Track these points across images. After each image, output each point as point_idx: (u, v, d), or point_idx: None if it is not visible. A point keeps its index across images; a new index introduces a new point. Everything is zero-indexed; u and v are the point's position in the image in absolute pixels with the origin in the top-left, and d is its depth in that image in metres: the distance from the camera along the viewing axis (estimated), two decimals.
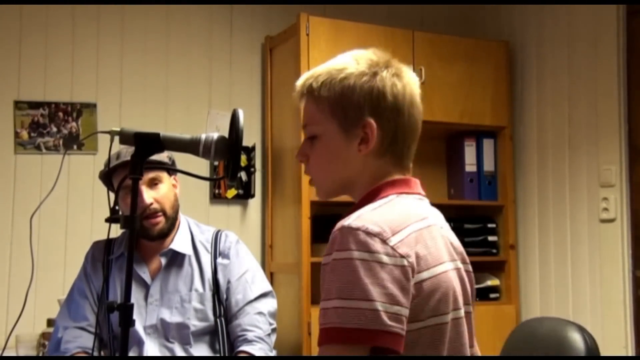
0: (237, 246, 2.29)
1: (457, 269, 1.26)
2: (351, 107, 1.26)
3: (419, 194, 1.30)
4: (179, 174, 2.27)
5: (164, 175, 2.19)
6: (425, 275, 1.14)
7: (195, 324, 2.16)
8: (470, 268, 1.34)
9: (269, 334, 2.19)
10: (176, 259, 2.22)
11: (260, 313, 2.19)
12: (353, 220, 1.14)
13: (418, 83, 1.34)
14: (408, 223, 1.17)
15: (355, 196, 1.31)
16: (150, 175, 2.14)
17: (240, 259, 2.27)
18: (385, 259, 1.10)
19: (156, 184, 2.16)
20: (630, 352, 3.05)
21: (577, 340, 1.68)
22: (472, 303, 1.31)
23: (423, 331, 1.14)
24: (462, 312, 1.23)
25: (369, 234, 1.11)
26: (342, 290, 1.09)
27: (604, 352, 3.16)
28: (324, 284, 1.15)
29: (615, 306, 3.12)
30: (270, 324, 2.21)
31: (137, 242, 2.20)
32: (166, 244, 2.21)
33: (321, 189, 1.35)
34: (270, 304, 2.25)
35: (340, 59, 1.36)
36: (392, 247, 1.11)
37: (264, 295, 2.25)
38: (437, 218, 1.29)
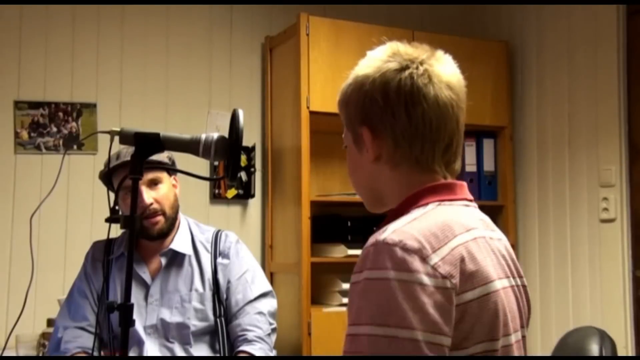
0: (237, 246, 2.29)
1: (512, 287, 1.14)
2: (350, 117, 1.20)
3: (465, 199, 1.17)
4: (179, 174, 2.27)
5: (163, 175, 2.19)
6: (470, 295, 1.01)
7: (195, 323, 2.15)
8: (525, 282, 1.20)
9: (269, 334, 2.18)
10: (176, 259, 2.22)
11: (260, 313, 2.19)
12: (389, 234, 1.01)
13: (449, 74, 1.20)
14: (451, 237, 1.03)
15: (389, 199, 1.20)
16: (150, 175, 2.14)
17: (241, 258, 2.27)
18: (426, 279, 0.97)
19: (156, 185, 2.16)
20: (630, 352, 3.05)
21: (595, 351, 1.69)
22: (526, 326, 1.18)
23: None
24: (512, 339, 1.10)
25: (407, 250, 0.98)
26: (375, 315, 0.96)
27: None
28: (353, 306, 1.01)
29: (615, 306, 3.12)
30: (270, 324, 2.21)
31: (137, 242, 2.20)
32: (166, 244, 2.21)
33: (363, 201, 1.24)
34: (270, 304, 2.25)
35: (363, 61, 1.24)
36: (432, 267, 0.98)
37: (264, 295, 2.25)
38: (487, 228, 1.16)
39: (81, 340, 2.12)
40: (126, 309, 1.44)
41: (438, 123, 1.14)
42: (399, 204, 1.14)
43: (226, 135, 1.56)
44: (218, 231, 2.32)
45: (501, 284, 1.08)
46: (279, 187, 3.43)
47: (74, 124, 3.21)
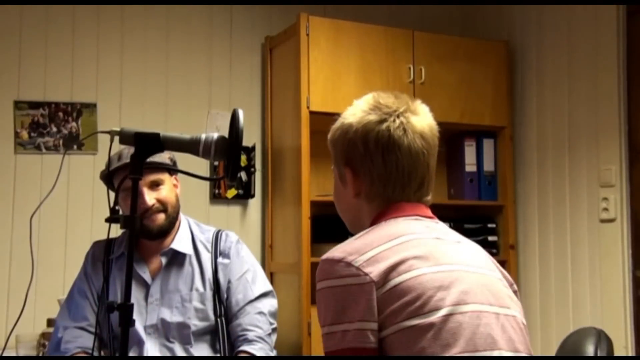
0: (237, 246, 2.29)
1: (465, 272, 1.25)
2: (336, 157, 1.41)
3: (416, 215, 1.35)
4: (179, 174, 2.27)
5: (165, 176, 2.19)
6: (396, 281, 1.19)
7: (195, 323, 2.15)
8: (500, 277, 1.33)
9: (269, 334, 2.18)
10: (177, 259, 2.21)
11: (260, 313, 2.19)
12: (327, 253, 1.27)
13: (422, 125, 1.38)
14: (381, 242, 1.24)
15: (366, 226, 1.39)
16: (152, 177, 2.14)
17: (241, 258, 2.27)
18: (348, 280, 1.20)
19: (158, 186, 2.16)
20: (630, 352, 3.05)
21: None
22: (505, 305, 1.27)
23: (398, 334, 1.18)
24: (463, 309, 1.20)
25: (334, 261, 1.23)
26: (321, 319, 1.24)
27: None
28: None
29: (615, 306, 3.12)
30: (271, 324, 2.21)
31: (137, 242, 2.20)
32: (166, 244, 2.21)
33: (346, 225, 1.49)
34: (270, 304, 2.25)
35: (350, 108, 1.44)
36: (357, 267, 1.20)
37: (264, 295, 2.25)
38: (433, 233, 1.31)
39: (81, 340, 2.12)
40: (126, 309, 1.44)
41: (410, 169, 1.35)
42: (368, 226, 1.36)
43: (226, 135, 1.56)
44: (218, 231, 2.32)
45: (434, 269, 1.22)
46: (279, 187, 3.43)
47: (74, 124, 3.21)
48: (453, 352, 1.15)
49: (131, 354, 2.11)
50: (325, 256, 1.26)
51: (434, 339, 1.16)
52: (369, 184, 1.35)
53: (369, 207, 1.37)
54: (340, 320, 1.20)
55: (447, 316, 1.18)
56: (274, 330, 2.23)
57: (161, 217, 2.16)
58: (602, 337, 1.72)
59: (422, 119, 1.38)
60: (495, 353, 1.19)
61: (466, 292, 1.21)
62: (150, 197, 2.13)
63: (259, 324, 2.17)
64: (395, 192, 1.35)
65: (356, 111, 1.39)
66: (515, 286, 1.39)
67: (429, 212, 1.38)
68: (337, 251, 1.25)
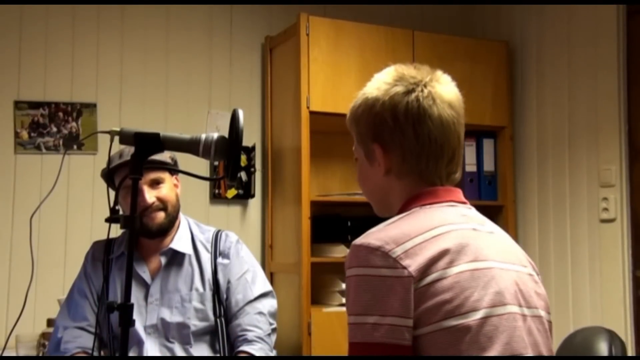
0: (237, 246, 2.29)
1: (499, 269, 1.22)
2: (362, 135, 1.34)
3: (451, 201, 1.29)
4: (179, 174, 2.27)
5: (166, 175, 2.19)
6: (434, 277, 1.14)
7: (195, 323, 2.15)
8: (530, 271, 1.31)
9: (269, 334, 2.18)
10: (176, 259, 2.22)
11: (260, 313, 2.19)
12: (360, 238, 1.19)
13: (450, 95, 1.32)
14: (419, 232, 1.18)
15: (396, 206, 1.34)
16: (152, 176, 2.14)
17: (241, 258, 2.27)
18: (384, 272, 1.13)
19: (158, 184, 2.17)
20: (630, 352, 3.05)
21: (604, 351, 1.66)
22: (534, 305, 1.25)
23: (436, 334, 1.13)
24: (500, 310, 1.17)
25: (370, 249, 1.16)
26: (350, 307, 1.17)
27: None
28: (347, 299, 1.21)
29: (615, 306, 3.12)
30: (271, 324, 2.21)
31: (137, 241, 2.20)
32: (166, 243, 2.21)
33: (373, 207, 1.41)
34: (270, 304, 2.25)
35: (371, 83, 1.38)
36: (394, 259, 1.14)
37: (264, 295, 2.25)
38: (469, 222, 1.26)
39: (81, 340, 2.12)
40: (126, 309, 1.44)
41: (442, 140, 1.29)
42: (399, 211, 1.29)
43: (226, 135, 1.56)
44: (218, 231, 2.32)
45: (473, 266, 1.18)
46: (279, 187, 3.43)
47: (74, 124, 3.21)
48: (490, 352, 1.13)
49: (131, 353, 2.12)
50: (358, 241, 1.18)
51: (471, 342, 1.12)
52: (401, 158, 1.29)
53: (401, 186, 1.31)
54: (372, 311, 1.12)
55: (485, 319, 1.14)
56: (273, 330, 2.22)
57: (161, 215, 2.16)
58: (615, 337, 1.70)
59: (448, 88, 1.33)
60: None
61: (501, 292, 1.18)
62: (150, 195, 2.13)
63: (258, 324, 2.17)
64: (429, 166, 1.29)
65: (380, 84, 1.32)
66: (539, 276, 1.37)
67: (462, 196, 1.33)
68: (372, 237, 1.17)
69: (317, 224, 3.21)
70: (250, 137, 3.52)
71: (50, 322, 2.64)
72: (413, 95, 1.28)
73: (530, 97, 3.66)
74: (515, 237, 3.64)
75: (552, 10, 3.55)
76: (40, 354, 2.58)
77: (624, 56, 3.20)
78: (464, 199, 1.33)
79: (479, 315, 1.14)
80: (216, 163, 3.37)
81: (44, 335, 2.59)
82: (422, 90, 1.28)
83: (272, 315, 2.24)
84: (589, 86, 3.32)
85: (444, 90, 1.31)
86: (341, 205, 3.45)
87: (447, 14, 4.06)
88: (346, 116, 1.41)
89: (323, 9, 3.64)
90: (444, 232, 1.20)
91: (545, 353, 1.22)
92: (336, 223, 3.34)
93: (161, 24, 3.43)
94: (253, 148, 3.52)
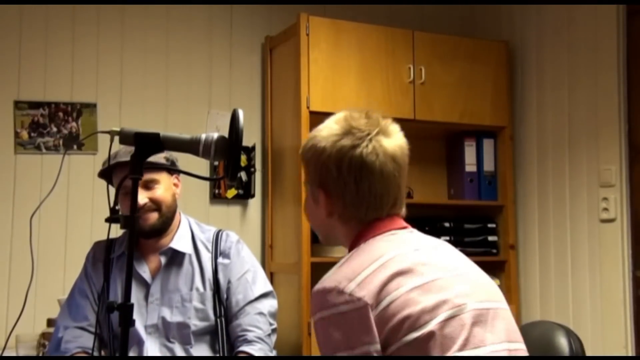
0: (237, 246, 2.28)
1: (449, 277, 1.30)
2: (310, 178, 1.45)
3: (389, 230, 1.38)
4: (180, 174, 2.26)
5: (161, 176, 2.18)
6: (388, 300, 1.23)
7: (196, 323, 2.15)
8: (477, 270, 1.39)
9: (269, 335, 2.18)
10: (176, 258, 2.21)
11: (260, 313, 2.19)
12: (317, 285, 1.29)
13: (394, 148, 1.39)
14: (367, 265, 1.27)
15: (343, 243, 1.46)
16: (145, 177, 2.12)
17: (241, 258, 2.26)
18: (343, 308, 1.23)
19: (152, 185, 2.16)
20: (630, 352, 3.05)
21: (563, 344, 1.73)
22: (495, 299, 1.33)
23: (402, 349, 1.21)
24: (459, 310, 1.25)
25: (326, 291, 1.26)
26: (322, 349, 1.27)
27: (604, 352, 3.17)
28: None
29: (615, 306, 3.12)
30: (271, 324, 2.21)
31: (137, 241, 2.20)
32: (166, 243, 2.20)
33: (316, 232, 1.54)
34: (270, 304, 2.25)
35: (322, 125, 1.45)
36: (349, 294, 1.23)
37: (264, 295, 2.25)
38: (411, 245, 1.35)
39: (81, 340, 2.12)
40: (126, 309, 1.44)
41: (382, 192, 1.38)
42: (348, 250, 1.41)
43: (226, 135, 1.56)
44: (219, 231, 2.31)
45: (422, 280, 1.27)
46: (279, 187, 3.43)
47: (74, 124, 3.21)
48: (451, 351, 1.20)
49: (131, 353, 2.11)
50: (315, 288, 1.29)
51: (436, 345, 1.21)
52: (342, 206, 1.39)
53: (344, 228, 1.42)
54: (342, 347, 1.22)
55: (444, 322, 1.22)
56: (273, 330, 2.22)
57: (154, 216, 2.15)
58: (571, 333, 1.77)
59: (393, 141, 1.40)
60: (494, 347, 1.25)
61: (457, 295, 1.26)
62: (142, 197, 2.12)
63: (258, 324, 2.16)
64: (369, 214, 1.39)
65: (329, 134, 1.40)
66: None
67: (402, 223, 1.42)
68: (326, 282, 1.28)
69: None
70: (250, 137, 3.52)
71: (50, 322, 2.64)
72: (357, 151, 1.36)
73: (530, 97, 3.66)
74: (515, 237, 3.64)
75: (552, 10, 3.55)
76: (40, 354, 2.58)
77: (624, 56, 3.20)
78: (404, 225, 1.42)
79: (438, 319, 1.22)
80: (216, 163, 3.37)
81: (44, 335, 2.59)
82: (367, 146, 1.36)
83: (273, 315, 2.24)
84: (589, 86, 3.32)
85: (389, 143, 1.39)
86: None
87: (447, 14, 4.06)
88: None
89: (323, 9, 3.64)
90: (388, 259, 1.29)
91: (519, 339, 1.32)
92: None
93: (161, 24, 3.43)
94: (253, 148, 3.52)
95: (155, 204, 2.15)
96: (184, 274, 2.19)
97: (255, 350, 2.11)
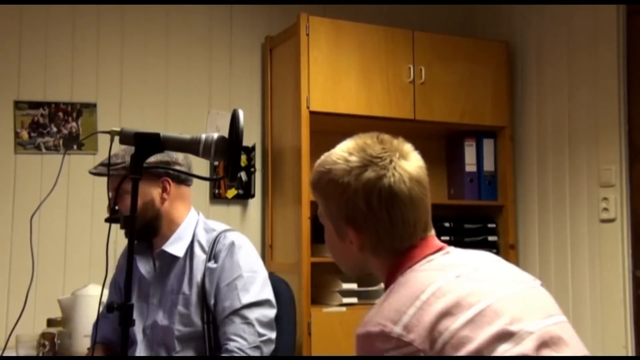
0: (231, 249, 2.12)
1: (499, 301, 1.22)
2: (331, 212, 1.38)
3: (424, 256, 1.33)
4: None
5: (129, 185, 2.14)
6: (442, 340, 1.16)
7: (179, 328, 2.06)
8: (530, 283, 1.32)
9: (256, 347, 2.01)
10: (170, 260, 2.13)
11: (248, 323, 2.02)
12: (360, 327, 1.23)
13: (416, 170, 1.35)
14: (410, 303, 1.20)
15: (377, 275, 1.39)
16: (111, 186, 2.07)
17: (234, 263, 2.10)
18: (393, 353, 1.16)
19: (120, 194, 2.12)
20: (630, 352, 3.05)
21: None
22: (547, 314, 1.26)
23: None
24: (525, 335, 1.18)
25: (371, 336, 1.19)
26: None
27: (603, 352, 3.17)
28: None
29: (615, 306, 3.12)
30: (261, 335, 2.02)
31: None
32: (161, 244, 2.14)
33: (340, 267, 1.46)
34: (262, 313, 2.06)
35: (335, 156, 1.37)
36: (397, 339, 1.16)
37: (256, 304, 2.06)
38: (451, 271, 1.27)
39: (105, 330, 2.17)
40: (126, 309, 1.44)
41: (414, 218, 1.33)
42: (385, 286, 1.35)
43: (226, 135, 1.56)
44: (220, 232, 2.19)
45: (481, 306, 1.19)
46: (279, 187, 3.43)
47: (74, 124, 3.21)
48: None
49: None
50: (359, 332, 1.22)
51: None
52: (375, 239, 1.33)
53: (377, 260, 1.36)
54: None
55: (506, 356, 1.16)
56: (265, 341, 2.04)
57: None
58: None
59: (413, 162, 1.36)
60: None
61: (512, 320, 1.19)
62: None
63: (243, 334, 2.00)
64: (403, 242, 1.33)
65: (349, 167, 1.33)
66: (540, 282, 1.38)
67: (436, 243, 1.36)
68: (369, 324, 1.20)
69: (317, 224, 3.19)
70: (250, 137, 3.52)
71: (50, 322, 2.64)
72: (385, 181, 1.31)
73: (530, 97, 3.66)
74: (515, 237, 3.64)
75: (552, 11, 3.55)
76: (40, 354, 2.57)
77: (624, 56, 3.20)
78: (438, 246, 1.36)
79: (500, 350, 1.15)
80: (216, 163, 3.37)
81: (44, 335, 2.58)
82: (392, 175, 1.31)
83: (264, 325, 2.05)
84: (589, 86, 3.32)
85: (410, 166, 1.34)
86: None
87: (447, 14, 4.06)
88: (318, 170, 1.39)
89: (323, 9, 3.64)
90: (431, 294, 1.21)
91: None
92: None
93: (161, 24, 3.43)
94: (253, 148, 3.52)
95: (114, 219, 2.12)
96: (175, 277, 2.11)
97: None
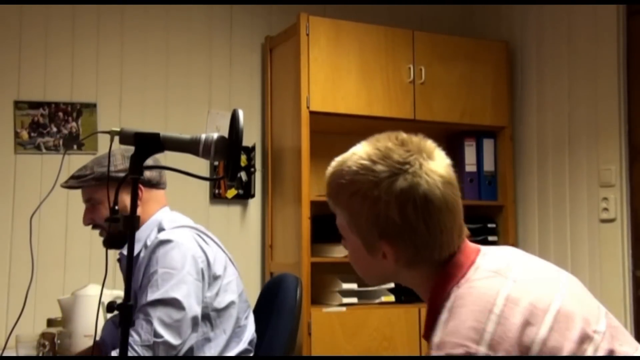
0: (157, 246, 2.00)
1: (564, 301, 1.20)
2: (361, 229, 1.26)
3: (470, 263, 1.25)
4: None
5: (99, 194, 2.11)
6: (536, 349, 1.11)
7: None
8: (568, 274, 1.30)
9: (148, 346, 1.86)
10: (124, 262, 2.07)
11: (147, 320, 1.89)
12: (436, 348, 1.14)
13: (445, 169, 1.26)
14: (485, 318, 1.13)
15: (410, 286, 1.32)
16: (84, 197, 2.10)
17: (152, 259, 1.99)
18: None
19: (93, 205, 2.14)
20: None
21: None
22: (596, 306, 1.24)
23: None
24: (597, 337, 1.16)
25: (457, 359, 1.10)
26: None
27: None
28: None
29: (616, 306, 3.12)
30: (158, 335, 1.86)
31: None
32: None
33: (364, 278, 1.36)
34: (166, 313, 1.90)
35: (354, 164, 1.26)
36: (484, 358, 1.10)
37: (161, 301, 1.91)
38: (505, 277, 1.22)
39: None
40: (126, 309, 1.44)
41: (451, 224, 1.25)
42: (430, 300, 1.25)
43: (226, 135, 1.56)
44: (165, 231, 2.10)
45: (553, 312, 1.16)
46: (279, 187, 3.43)
47: (74, 124, 3.21)
48: None
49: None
50: (439, 354, 1.12)
51: None
52: (412, 252, 1.24)
53: (414, 273, 1.27)
54: None
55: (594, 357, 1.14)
56: (161, 343, 1.87)
57: (103, 233, 2.14)
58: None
59: (440, 162, 1.26)
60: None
61: (583, 319, 1.17)
62: (85, 218, 2.14)
63: (140, 330, 1.87)
64: (442, 252, 1.25)
65: (377, 178, 1.23)
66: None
67: (472, 247, 1.30)
68: (448, 346, 1.12)
69: (317, 224, 3.20)
70: (250, 137, 3.52)
71: (50, 322, 2.64)
72: (420, 190, 1.21)
73: (530, 97, 3.66)
74: (515, 237, 3.64)
75: (552, 10, 3.55)
76: (40, 354, 2.57)
77: (624, 56, 3.20)
78: (476, 249, 1.30)
79: (589, 351, 1.14)
80: (216, 163, 3.37)
81: (44, 335, 2.58)
82: (426, 182, 1.22)
83: (166, 325, 1.88)
84: (589, 86, 3.32)
85: (439, 167, 1.25)
86: None
87: (447, 14, 4.06)
88: (332, 175, 1.30)
89: (323, 9, 3.64)
90: (502, 304, 1.15)
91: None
92: (336, 223, 3.33)
93: (161, 24, 3.43)
94: (253, 148, 3.52)
95: (97, 225, 2.13)
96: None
97: (114, 353, 1.92)
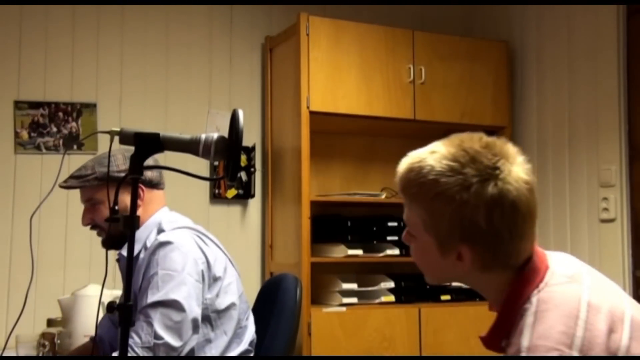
0: (157, 248, 1.99)
1: (625, 297, 1.24)
2: (441, 230, 1.24)
3: (545, 268, 1.25)
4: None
5: (99, 194, 2.12)
6: (624, 344, 1.14)
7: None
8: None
9: (148, 347, 1.85)
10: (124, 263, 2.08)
11: (147, 321, 1.88)
12: (526, 352, 1.14)
13: (527, 173, 1.27)
14: (572, 322, 1.14)
15: (477, 289, 1.31)
16: (83, 197, 2.10)
17: (152, 261, 1.98)
18: None
19: (93, 205, 2.14)
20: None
21: None
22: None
23: None
24: None
25: None
26: None
27: None
28: None
29: None
30: (158, 337, 1.85)
31: None
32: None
33: (426, 277, 1.34)
34: (166, 314, 1.89)
35: (438, 164, 1.26)
36: None
37: (161, 303, 1.89)
38: (579, 283, 1.22)
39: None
40: (126, 309, 1.44)
41: (530, 231, 1.24)
42: (505, 303, 1.24)
43: (226, 135, 1.55)
44: (166, 232, 2.09)
45: (628, 330, 1.17)
46: (279, 187, 3.43)
47: (74, 124, 3.21)
48: None
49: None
50: (534, 354, 1.13)
51: None
52: (491, 256, 1.23)
53: (488, 276, 1.26)
54: None
55: None
56: (162, 345, 1.86)
57: (101, 233, 2.15)
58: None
59: (522, 167, 1.28)
60: None
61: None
62: (84, 218, 2.13)
63: (140, 332, 1.86)
64: (519, 258, 1.24)
65: (466, 181, 1.21)
66: None
67: (541, 251, 1.30)
68: (540, 349, 1.12)
69: (317, 224, 3.21)
70: (250, 137, 3.52)
71: (50, 322, 2.64)
72: (509, 197, 1.21)
73: (530, 97, 3.66)
74: None
75: (552, 11, 3.55)
76: (41, 354, 2.57)
77: (624, 56, 3.20)
78: (542, 250, 1.30)
79: None
80: (216, 163, 3.37)
81: (44, 335, 2.58)
82: (516, 188, 1.22)
83: (167, 327, 1.87)
84: (589, 86, 3.32)
85: (524, 173, 1.27)
86: (341, 205, 3.45)
87: (447, 14, 4.06)
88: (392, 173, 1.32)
89: (323, 9, 3.64)
90: (585, 311, 1.16)
91: None
92: (336, 223, 3.34)
93: (161, 24, 3.43)
94: (253, 148, 3.52)
95: (96, 226, 2.13)
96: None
97: (114, 354, 1.92)
